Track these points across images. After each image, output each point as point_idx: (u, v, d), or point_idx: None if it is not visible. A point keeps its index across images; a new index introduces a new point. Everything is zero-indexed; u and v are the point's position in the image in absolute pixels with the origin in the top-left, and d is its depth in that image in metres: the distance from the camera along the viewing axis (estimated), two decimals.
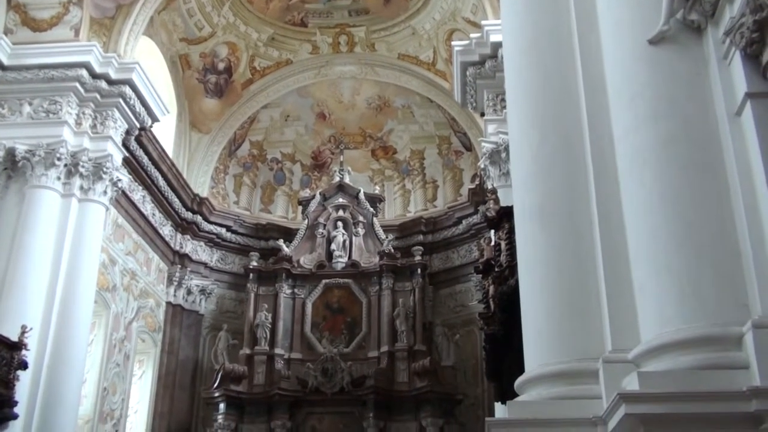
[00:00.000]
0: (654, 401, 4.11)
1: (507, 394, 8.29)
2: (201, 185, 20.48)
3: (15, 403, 11.95)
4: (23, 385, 12.17)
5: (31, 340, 12.24)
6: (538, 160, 5.75)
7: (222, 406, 17.75)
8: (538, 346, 5.41)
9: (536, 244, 5.58)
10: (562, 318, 5.26)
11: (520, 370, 5.65)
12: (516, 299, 6.15)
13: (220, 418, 17.71)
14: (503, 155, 13.30)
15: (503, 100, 13.02)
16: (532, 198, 5.70)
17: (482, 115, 15.25)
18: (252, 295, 19.06)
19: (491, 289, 8.89)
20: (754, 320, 4.15)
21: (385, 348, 18.24)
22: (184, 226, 19.73)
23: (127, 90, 14.98)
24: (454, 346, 18.67)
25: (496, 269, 8.37)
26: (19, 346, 11.94)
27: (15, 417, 12.00)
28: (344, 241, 19.69)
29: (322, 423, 17.95)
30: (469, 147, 20.74)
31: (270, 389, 17.86)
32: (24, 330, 12.05)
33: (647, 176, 4.82)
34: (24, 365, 12.06)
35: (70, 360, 13.15)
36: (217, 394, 17.81)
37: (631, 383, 4.34)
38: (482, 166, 14.67)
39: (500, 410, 10.83)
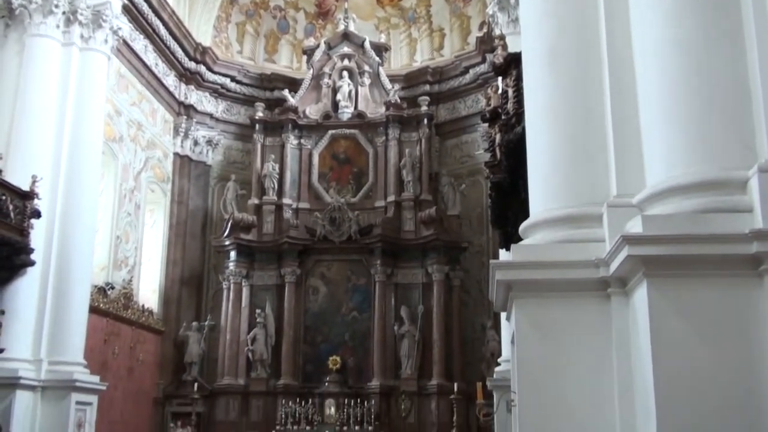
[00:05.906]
0: (656, 243, 4.14)
1: (512, 240, 8.39)
2: (203, 34, 20.04)
3: (31, 250, 12.22)
4: (38, 233, 12.40)
5: (42, 190, 12.36)
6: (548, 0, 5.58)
7: (233, 254, 18.23)
8: (544, 192, 5.41)
9: (544, 89, 5.49)
10: (568, 164, 5.24)
11: (525, 217, 5.67)
12: (522, 147, 6.13)
13: (231, 266, 18.24)
14: (512, 0, 12.91)
15: None
16: (542, 41, 5.55)
17: None
18: (258, 146, 19.12)
19: (498, 137, 8.88)
20: (760, 164, 4.11)
21: (391, 198, 18.47)
22: (187, 77, 19.50)
23: None
24: (459, 196, 18.88)
25: (503, 117, 8.32)
26: (30, 195, 12.09)
27: (32, 263, 12.33)
28: (350, 91, 19.50)
29: (331, 270, 18.47)
30: None
31: (279, 238, 18.25)
32: (34, 180, 12.14)
33: (659, 16, 4.66)
34: (37, 214, 12.23)
35: (82, 209, 13.34)
36: (227, 243, 18.25)
37: (635, 226, 4.37)
38: (491, 12, 14.30)
39: (505, 257, 11.05)
